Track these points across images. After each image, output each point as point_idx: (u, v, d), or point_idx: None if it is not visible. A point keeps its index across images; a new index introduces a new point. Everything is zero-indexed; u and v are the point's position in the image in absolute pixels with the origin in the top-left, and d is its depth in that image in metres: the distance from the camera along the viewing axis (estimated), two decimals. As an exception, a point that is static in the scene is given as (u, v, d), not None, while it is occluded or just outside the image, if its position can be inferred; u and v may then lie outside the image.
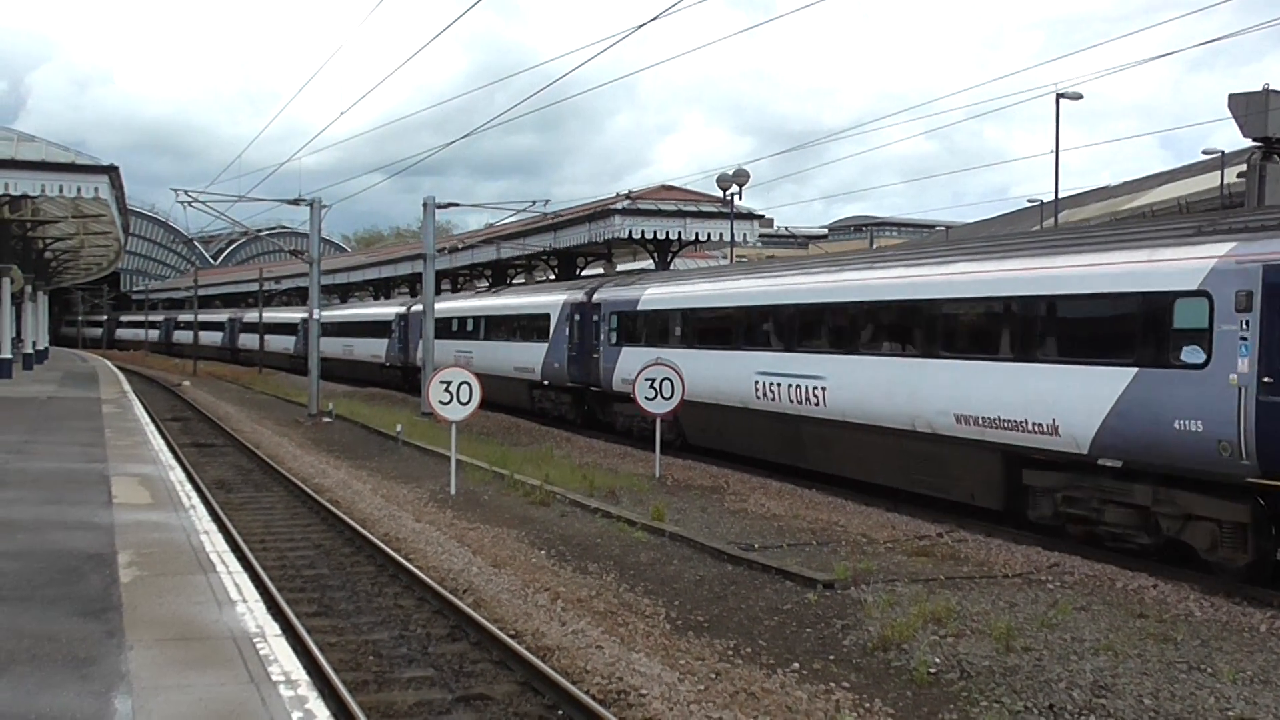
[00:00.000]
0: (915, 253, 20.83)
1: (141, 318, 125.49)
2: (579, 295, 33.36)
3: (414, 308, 49.40)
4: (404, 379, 52.57)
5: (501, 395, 37.83)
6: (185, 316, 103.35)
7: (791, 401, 21.88)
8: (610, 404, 31.36)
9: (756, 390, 23.11)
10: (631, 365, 27.56)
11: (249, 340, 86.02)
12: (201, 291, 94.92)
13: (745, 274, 26.39)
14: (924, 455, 18.73)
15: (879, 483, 20.27)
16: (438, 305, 44.36)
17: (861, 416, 19.93)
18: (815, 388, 21.06)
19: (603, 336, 30.94)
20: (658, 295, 28.79)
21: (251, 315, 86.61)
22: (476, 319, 43.35)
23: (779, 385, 22.35)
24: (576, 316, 32.82)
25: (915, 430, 18.61)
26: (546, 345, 34.60)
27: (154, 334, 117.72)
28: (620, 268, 54.32)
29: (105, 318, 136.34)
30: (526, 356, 36.35)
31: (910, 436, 18.80)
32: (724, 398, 24.51)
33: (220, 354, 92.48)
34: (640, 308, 29.32)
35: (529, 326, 36.73)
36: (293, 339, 73.67)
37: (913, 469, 19.17)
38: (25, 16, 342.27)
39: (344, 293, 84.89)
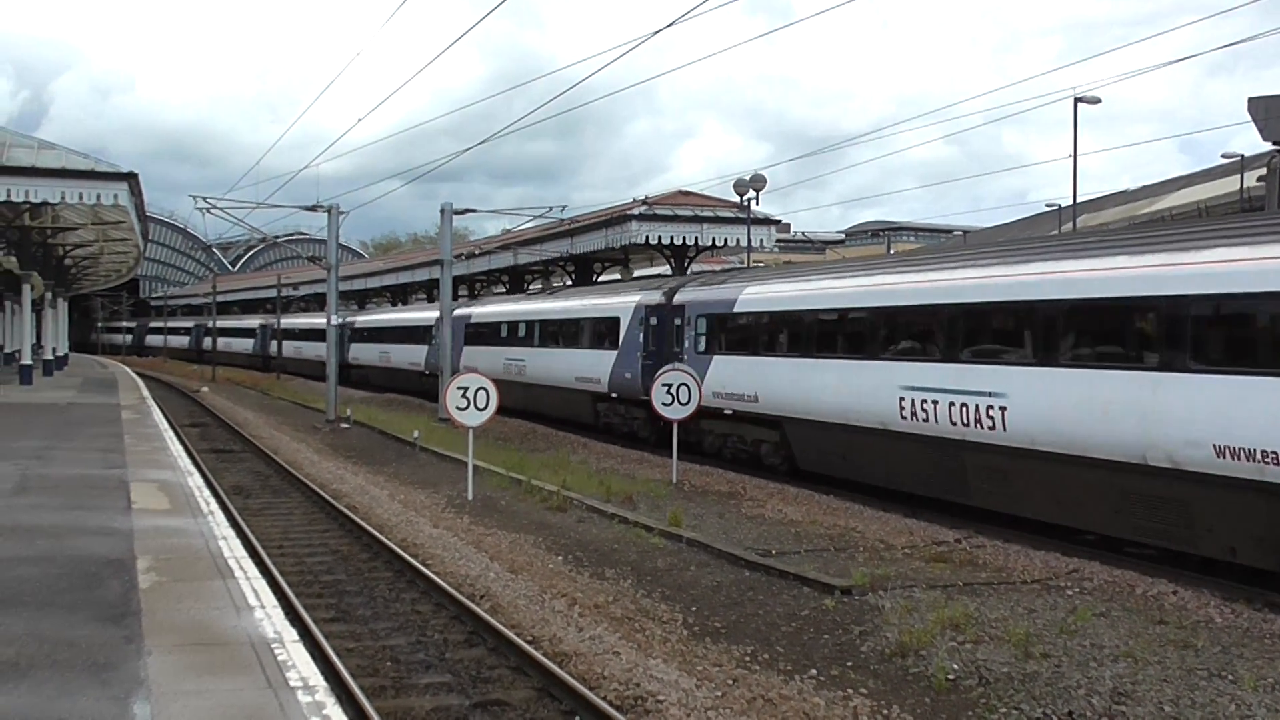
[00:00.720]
0: (1138, 238, 16.48)
1: (173, 324, 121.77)
2: (655, 296, 29.71)
3: (457, 311, 45.87)
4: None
5: (558, 408, 35.99)
6: (219, 323, 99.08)
7: (954, 423, 17.97)
8: (695, 421, 26.42)
9: (902, 408, 19.16)
10: (726, 376, 25.04)
11: (284, 348, 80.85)
12: (220, 298, 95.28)
13: (884, 269, 21.88)
14: (1156, 496, 14.86)
15: (1078, 527, 16.82)
16: (482, 309, 43.67)
17: (1059, 444, 15.99)
18: (989, 407, 17.19)
19: (687, 343, 27.14)
20: (762, 295, 24.68)
21: (285, 321, 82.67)
22: (530, 323, 39.27)
23: (934, 403, 18.43)
24: (652, 320, 29.28)
25: (1146, 464, 14.66)
26: (615, 353, 30.81)
27: (184, 341, 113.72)
28: (637, 273, 54.32)
29: (134, 324, 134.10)
30: (591, 366, 32.66)
31: (1135, 472, 14.86)
32: (853, 416, 20.67)
33: (251, 362, 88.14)
34: (739, 309, 25.38)
35: (594, 332, 33.15)
36: (323, 345, 70.85)
37: (1136, 513, 15.28)
38: (48, 25, 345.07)
39: (361, 299, 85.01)
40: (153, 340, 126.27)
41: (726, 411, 24.99)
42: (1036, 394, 16.35)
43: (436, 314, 47.12)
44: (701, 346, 26.58)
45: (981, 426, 17.39)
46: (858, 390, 20.54)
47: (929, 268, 19.89)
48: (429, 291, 68.34)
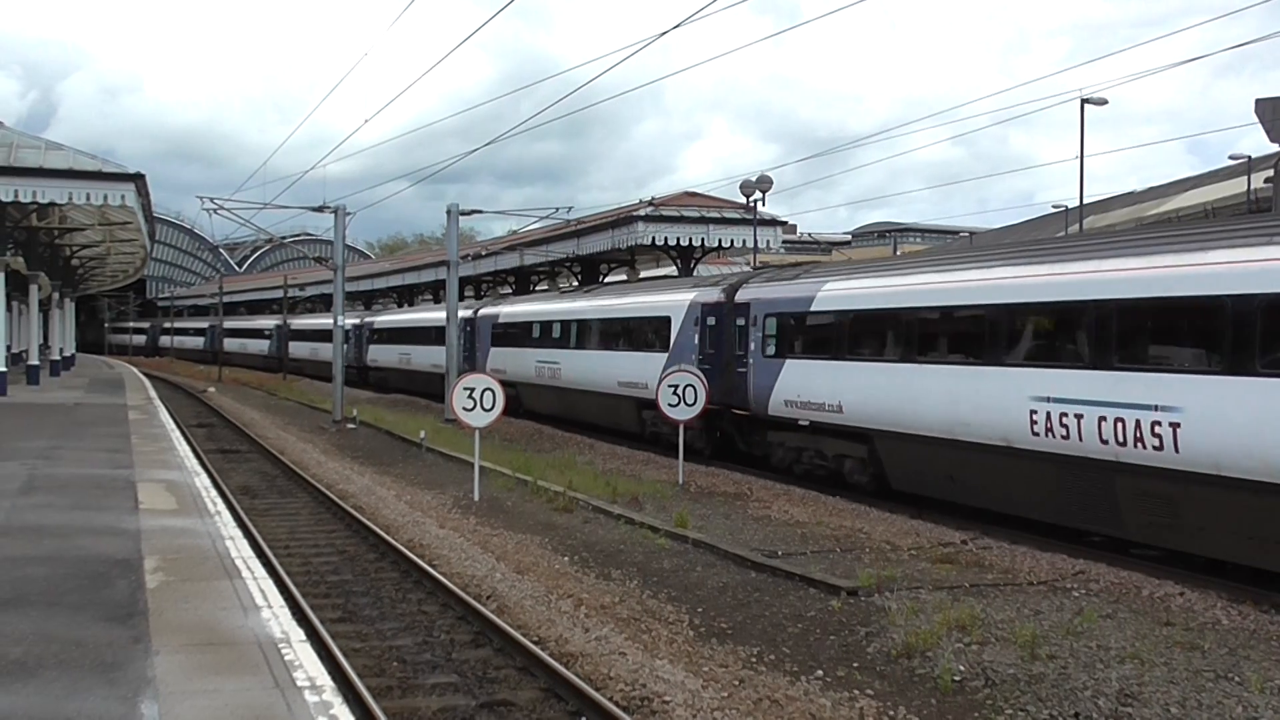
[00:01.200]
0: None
1: (188, 324, 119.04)
2: (713, 294, 27.31)
3: (484, 310, 44.55)
4: None
5: (598, 415, 33.54)
6: (235, 323, 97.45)
7: (1104, 442, 15.26)
8: (761, 432, 25.00)
9: (1033, 423, 16.52)
10: (802, 383, 22.50)
11: (299, 349, 77.44)
12: (226, 299, 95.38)
13: (1008, 259, 18.54)
14: None
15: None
16: (511, 309, 41.79)
17: (1260, 471, 13.24)
18: (1155, 423, 14.47)
19: (753, 345, 24.56)
20: (848, 292, 21.89)
21: (301, 321, 79.93)
22: (565, 324, 36.23)
23: (1079, 418, 15.71)
24: (710, 320, 26.93)
25: None
26: (665, 356, 28.13)
27: (199, 341, 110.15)
28: (644, 274, 54.37)
29: (149, 324, 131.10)
30: (637, 369, 29.90)
31: None
32: (965, 431, 18.07)
33: (267, 364, 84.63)
34: (818, 308, 22.62)
35: (641, 333, 30.65)
36: (344, 347, 67.63)
37: None
38: (56, 25, 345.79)
39: (368, 300, 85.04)
40: (167, 341, 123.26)
41: (801, 423, 22.55)
42: (1226, 409, 13.61)
43: (462, 313, 44.49)
44: (770, 349, 23.94)
45: (1142, 446, 14.71)
46: (972, 401, 17.90)
47: (1067, 257, 17.11)
48: (435, 292, 68.22)
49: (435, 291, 68.08)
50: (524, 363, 38.16)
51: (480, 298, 65.88)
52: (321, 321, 72.47)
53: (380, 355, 60.35)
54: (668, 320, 28.83)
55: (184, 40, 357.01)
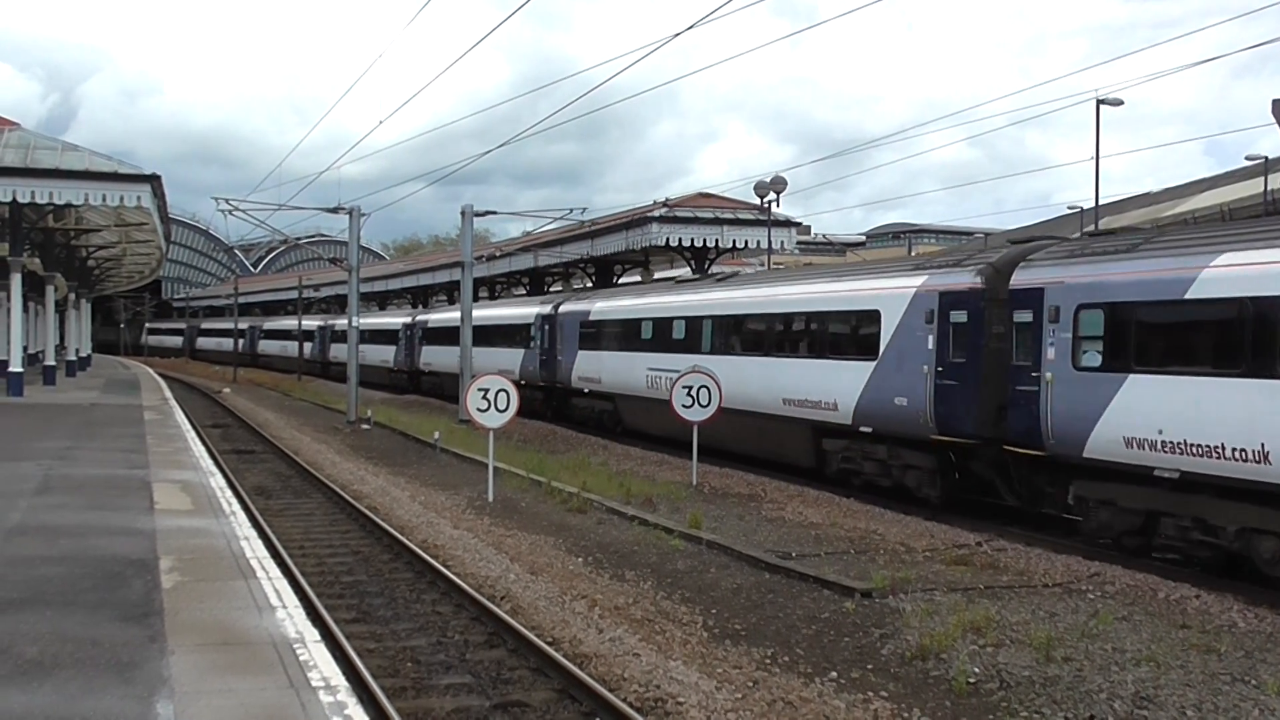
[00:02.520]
0: None
1: (225, 325, 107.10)
2: (959, 278, 19.76)
3: (568, 305, 38.09)
4: (547, 402, 39.56)
5: (749, 442, 26.19)
6: (275, 324, 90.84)
7: None
8: (1061, 480, 17.47)
9: None
10: (1166, 410, 15.08)
11: (343, 351, 65.36)
12: (241, 299, 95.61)
13: None
14: None
15: None
16: (609, 303, 35.21)
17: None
18: None
19: (1051, 353, 17.13)
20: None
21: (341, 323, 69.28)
22: (695, 321, 28.81)
23: None
24: (956, 315, 19.50)
25: None
26: (873, 365, 21.01)
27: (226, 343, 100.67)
28: (657, 275, 54.36)
29: (185, 325, 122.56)
30: (817, 383, 22.81)
31: None
32: None
33: (309, 368, 77.52)
34: (1204, 295, 14.86)
35: (828, 333, 23.18)
36: (392, 349, 60.70)
37: None
38: (77, 28, 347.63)
39: (382, 300, 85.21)
40: (205, 343, 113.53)
41: (1162, 473, 15.03)
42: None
43: (538, 310, 40.06)
44: (1090, 358, 16.57)
45: None
46: None
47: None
48: (449, 293, 68.05)
49: (450, 292, 67.98)
50: (628, 370, 31.03)
51: (495, 298, 65.64)
52: (370, 321, 65.33)
53: (436, 359, 53.74)
54: (874, 315, 21.44)
55: (204, 42, 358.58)
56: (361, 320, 65.89)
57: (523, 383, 38.25)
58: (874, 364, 21.16)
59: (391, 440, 34.18)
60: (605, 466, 26.42)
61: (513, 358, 41.69)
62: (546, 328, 38.97)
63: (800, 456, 24.14)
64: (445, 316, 53.22)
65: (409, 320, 58.74)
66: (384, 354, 61.45)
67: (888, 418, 20.70)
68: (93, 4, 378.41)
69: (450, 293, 67.46)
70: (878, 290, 21.81)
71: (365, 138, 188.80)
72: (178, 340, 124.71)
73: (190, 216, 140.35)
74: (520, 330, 41.94)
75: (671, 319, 30.22)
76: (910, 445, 20.49)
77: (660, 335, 30.49)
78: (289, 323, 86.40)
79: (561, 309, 38.27)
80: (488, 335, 44.16)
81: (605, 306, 35.29)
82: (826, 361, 22.91)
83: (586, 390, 35.45)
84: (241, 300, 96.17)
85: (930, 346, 19.79)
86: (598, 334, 34.84)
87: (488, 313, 47.49)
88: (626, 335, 32.69)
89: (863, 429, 21.56)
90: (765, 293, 26.22)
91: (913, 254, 65.13)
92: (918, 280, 20.64)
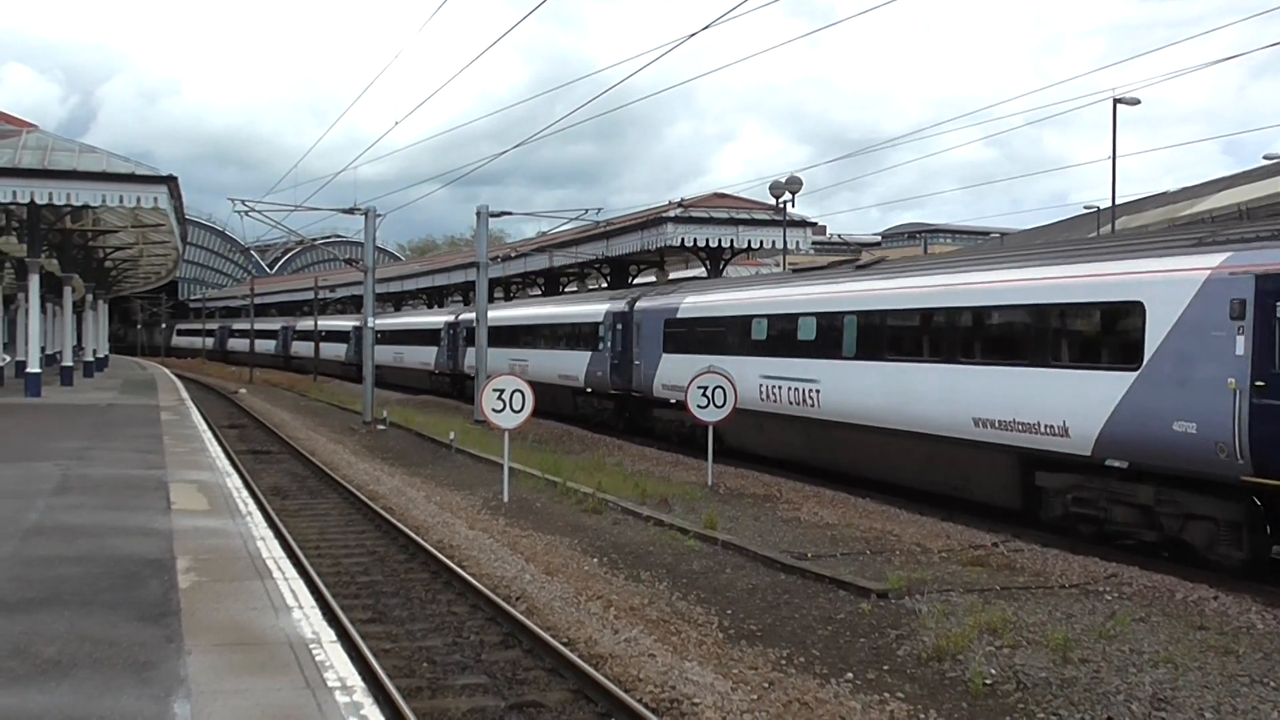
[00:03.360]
0: None
1: (262, 325, 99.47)
2: None
3: (647, 302, 33.24)
4: (619, 413, 34.99)
5: (905, 468, 21.37)
6: (308, 324, 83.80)
7: None
8: None
9: None
10: None
11: (387, 353, 60.44)
12: (257, 300, 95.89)
13: None
14: None
15: None
16: (702, 297, 30.26)
17: None
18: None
19: None
20: None
21: (387, 321, 63.72)
22: (832, 318, 23.30)
23: None
24: None
25: None
26: (1131, 377, 15.98)
27: (268, 345, 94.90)
28: (672, 275, 54.36)
29: (217, 326, 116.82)
30: (1039, 400, 17.51)
31: None
32: None
33: (345, 371, 71.98)
34: None
35: (1051, 335, 17.85)
36: (432, 350, 55.94)
37: None
38: (96, 30, 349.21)
39: (397, 301, 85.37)
40: (236, 345, 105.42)
41: None
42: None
43: (607, 307, 35.41)
44: None
45: None
46: None
47: None
48: (465, 294, 67.93)
49: (465, 293, 67.93)
50: (739, 378, 24.79)
51: (510, 299, 65.26)
52: (408, 320, 61.96)
53: (496, 358, 47.14)
54: (1134, 309, 16.18)
55: (222, 44, 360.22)
56: (398, 319, 65.23)
57: (589, 390, 36.11)
58: (1134, 375, 15.87)
59: (407, 441, 34.23)
60: (620, 467, 26.42)
61: (576, 361, 37.07)
62: (619, 327, 34.05)
63: (995, 493, 19.06)
64: (499, 314, 46.74)
65: (452, 319, 53.76)
66: (423, 356, 57.20)
67: (1160, 449, 15.39)
68: (112, 7, 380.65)
69: (466, 293, 67.37)
70: (1139, 275, 16.26)
71: (381, 139, 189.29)
72: (209, 341, 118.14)
73: (207, 217, 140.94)
74: (585, 330, 36.72)
75: (796, 315, 24.55)
76: (1196, 488, 15.26)
77: (779, 335, 25.18)
78: (326, 323, 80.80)
79: (640, 305, 33.20)
80: (544, 336, 40.67)
81: (699, 302, 29.84)
82: (1050, 371, 17.45)
83: (674, 401, 28.89)
84: (257, 301, 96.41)
85: (1240, 352, 14.41)
86: (689, 334, 29.59)
87: (544, 310, 43.24)
88: (730, 336, 27.30)
89: (1111, 462, 16.22)
90: (945, 282, 20.35)
91: (928, 254, 64.81)
92: (1211, 260, 15.15)
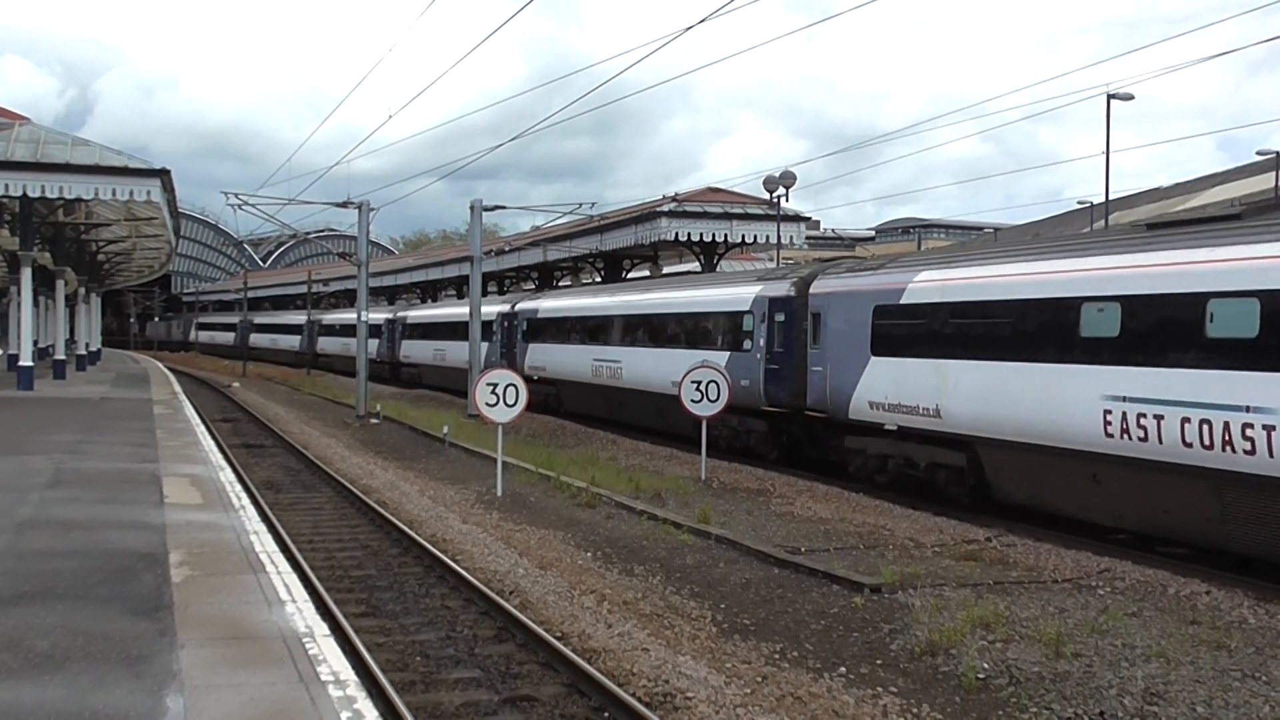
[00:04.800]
0: None
1: (279, 320, 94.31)
2: None
3: (828, 284, 23.53)
4: (774, 438, 26.30)
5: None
6: (334, 318, 76.62)
7: None
8: None
9: None
10: None
11: (415, 351, 56.69)
12: (250, 294, 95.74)
13: None
14: None
15: None
16: (950, 274, 19.52)
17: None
18: None
19: None
20: None
21: (422, 312, 58.51)
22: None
23: None
24: None
25: None
26: None
27: (293, 341, 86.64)
28: (666, 269, 54.38)
29: (237, 320, 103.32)
30: None
31: None
32: None
33: (377, 370, 58.24)
34: None
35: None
36: (481, 348, 42.88)
37: None
38: (93, 25, 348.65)
39: (391, 295, 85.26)
40: (259, 340, 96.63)
41: None
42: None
43: (757, 291, 26.27)
44: None
45: None
46: None
47: None
48: (459, 288, 67.76)
49: (459, 287, 67.81)
50: (997, 391, 18.02)
51: (503, 293, 64.98)
52: (446, 311, 53.23)
53: (551, 361, 39.32)
54: None
55: (220, 38, 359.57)
56: (436, 310, 57.41)
57: (743, 403, 25.73)
58: None
59: (400, 435, 34.21)
60: (614, 461, 26.42)
61: (672, 362, 28.47)
62: (780, 318, 25.24)
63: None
64: (573, 303, 38.72)
65: (506, 309, 45.00)
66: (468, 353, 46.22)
67: None
68: (109, 1, 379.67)
69: (460, 287, 67.20)
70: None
71: (375, 132, 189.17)
72: (229, 336, 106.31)
73: (200, 211, 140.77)
74: (719, 322, 28.12)
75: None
76: None
77: (1034, 328, 17.43)
78: (349, 316, 70.55)
79: (823, 288, 23.45)
80: (648, 330, 32.08)
81: (939, 281, 19.98)
82: None
83: (893, 427, 20.80)
84: (251, 295, 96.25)
85: None
86: (919, 331, 20.10)
87: (649, 297, 33.26)
88: (978, 331, 18.72)
89: None
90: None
91: (922, 249, 64.94)
92: None
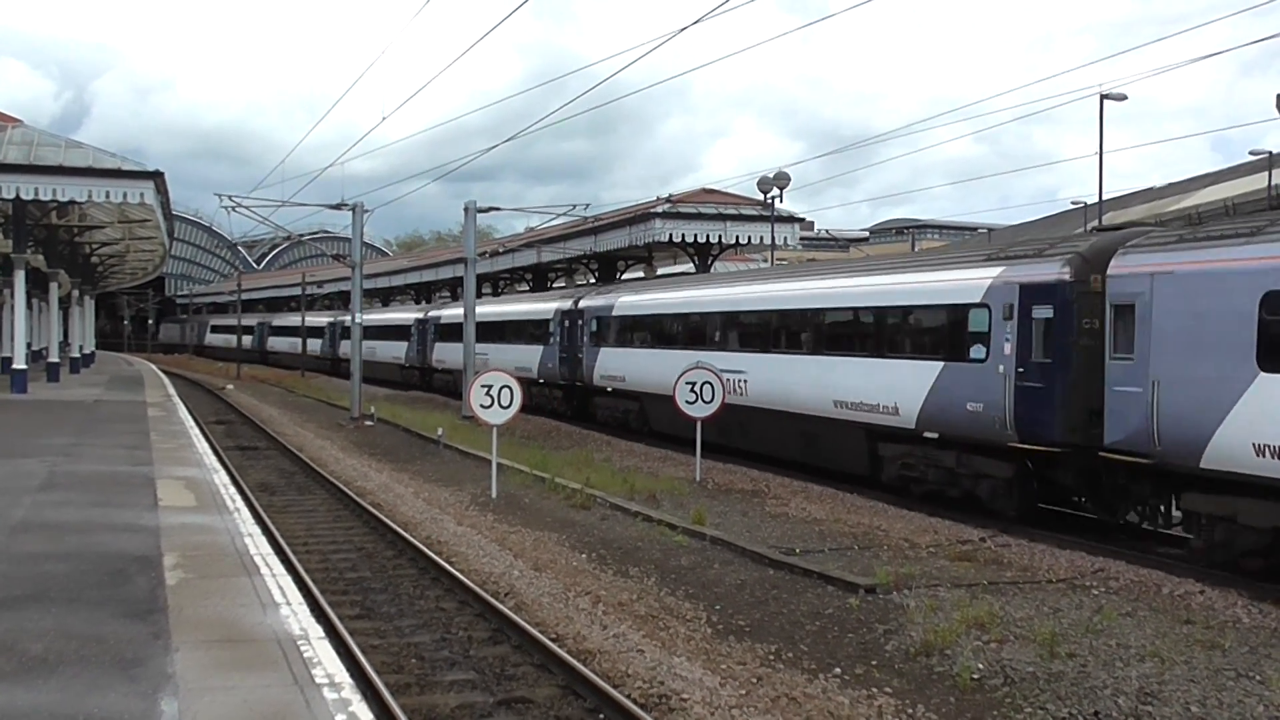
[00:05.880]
0: None
1: (294, 321, 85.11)
2: None
3: (1184, 255, 15.50)
4: (1017, 487, 18.48)
5: None
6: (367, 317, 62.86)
7: None
8: None
9: None
10: None
11: (458, 355, 43.23)
12: (244, 296, 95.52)
13: None
14: None
15: None
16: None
17: None
18: None
19: None
20: None
21: (455, 311, 48.74)
22: None
23: None
24: None
25: None
26: None
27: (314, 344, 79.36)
28: (660, 270, 54.35)
29: (256, 323, 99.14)
30: None
31: None
32: None
33: (406, 376, 59.41)
34: None
35: None
36: (537, 351, 39.66)
37: None
38: (89, 27, 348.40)
39: (385, 297, 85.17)
40: (277, 343, 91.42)
41: None
42: None
43: (1023, 276, 18.21)
44: None
45: None
46: None
47: None
48: (453, 289, 67.61)
49: (453, 289, 67.67)
50: None
51: (498, 294, 64.91)
52: (503, 309, 46.61)
53: (633, 369, 32.15)
54: None
55: (216, 40, 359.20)
56: (485, 307, 47.89)
57: (967, 434, 18.95)
58: None
59: (395, 436, 34.18)
60: (609, 463, 26.41)
61: (916, 379, 20.04)
62: (1043, 314, 17.79)
63: None
64: (684, 297, 30.57)
65: (568, 305, 37.91)
66: (523, 357, 40.64)
67: None
68: (105, 2, 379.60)
69: (454, 289, 67.02)
70: None
71: (369, 133, 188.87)
72: (246, 340, 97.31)
73: (194, 213, 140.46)
74: (925, 321, 20.75)
75: None
76: None
77: None
78: (391, 315, 67.05)
79: (1140, 265, 16.11)
80: (797, 331, 24.60)
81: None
82: None
83: None
84: (245, 298, 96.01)
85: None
86: None
87: (800, 287, 25.02)
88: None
89: None
90: None
91: (915, 250, 64.97)
92: None
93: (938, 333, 20.21)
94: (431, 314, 55.54)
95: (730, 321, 27.48)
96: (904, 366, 20.50)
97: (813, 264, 36.22)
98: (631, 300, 33.71)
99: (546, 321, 39.14)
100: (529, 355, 40.23)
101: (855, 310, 22.89)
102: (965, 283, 19.44)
